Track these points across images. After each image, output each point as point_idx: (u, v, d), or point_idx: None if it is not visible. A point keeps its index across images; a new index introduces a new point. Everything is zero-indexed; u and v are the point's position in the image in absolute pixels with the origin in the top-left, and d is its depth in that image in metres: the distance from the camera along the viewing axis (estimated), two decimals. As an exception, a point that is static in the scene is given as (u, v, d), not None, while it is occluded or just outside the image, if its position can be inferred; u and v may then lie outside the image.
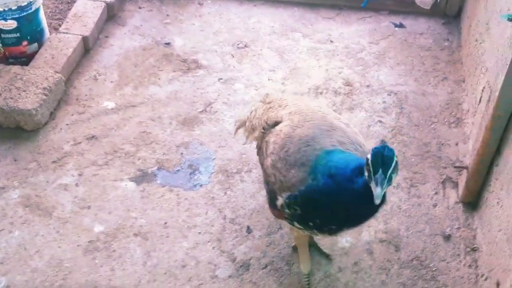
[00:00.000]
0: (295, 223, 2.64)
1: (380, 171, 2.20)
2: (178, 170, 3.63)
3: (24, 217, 3.31)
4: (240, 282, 3.04)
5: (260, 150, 2.97)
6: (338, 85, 4.26)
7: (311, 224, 2.56)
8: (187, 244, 3.21)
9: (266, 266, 3.11)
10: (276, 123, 2.87)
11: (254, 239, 3.25)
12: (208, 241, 3.23)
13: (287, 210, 2.60)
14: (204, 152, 3.75)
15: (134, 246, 3.19)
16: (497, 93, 2.97)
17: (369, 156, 2.24)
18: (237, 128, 3.33)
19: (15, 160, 3.63)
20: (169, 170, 3.62)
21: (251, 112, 3.18)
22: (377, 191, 2.19)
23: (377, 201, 2.21)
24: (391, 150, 2.24)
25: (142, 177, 3.57)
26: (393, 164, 2.22)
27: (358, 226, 2.71)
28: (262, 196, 3.43)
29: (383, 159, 2.21)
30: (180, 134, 3.86)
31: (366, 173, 2.25)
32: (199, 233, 3.27)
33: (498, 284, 2.79)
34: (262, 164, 2.92)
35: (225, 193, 3.49)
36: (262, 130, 2.94)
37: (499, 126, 3.05)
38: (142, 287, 3.00)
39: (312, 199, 2.47)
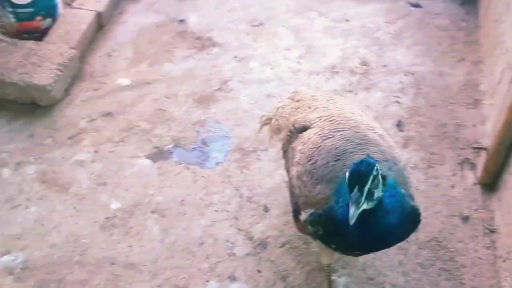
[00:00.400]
0: (319, 241, 2.51)
1: (356, 188, 2.09)
2: (194, 148, 3.61)
3: (41, 193, 3.31)
4: (258, 260, 3.04)
5: (285, 153, 2.80)
6: (355, 64, 4.22)
7: (333, 246, 2.44)
8: (204, 221, 3.21)
9: (283, 245, 3.10)
10: (304, 128, 2.68)
11: (271, 217, 3.24)
12: (225, 219, 3.22)
13: (310, 227, 2.45)
14: (220, 130, 3.73)
15: (151, 223, 3.19)
16: (520, 74, 2.94)
17: (347, 173, 2.14)
18: (263, 125, 3.16)
19: (31, 136, 3.62)
20: (185, 147, 3.61)
21: (277, 109, 3.00)
22: (351, 210, 2.09)
23: (351, 221, 2.09)
24: (370, 165, 2.11)
25: (158, 155, 3.55)
26: (370, 180, 2.09)
27: (386, 249, 2.56)
28: (278, 175, 3.42)
29: (359, 175, 2.10)
30: (196, 112, 3.83)
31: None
32: (216, 211, 3.26)
33: (518, 266, 2.79)
34: (287, 171, 2.76)
35: (242, 171, 3.47)
36: (289, 133, 2.76)
37: (521, 107, 3.01)
38: (161, 263, 3.01)
39: (334, 221, 2.28)
